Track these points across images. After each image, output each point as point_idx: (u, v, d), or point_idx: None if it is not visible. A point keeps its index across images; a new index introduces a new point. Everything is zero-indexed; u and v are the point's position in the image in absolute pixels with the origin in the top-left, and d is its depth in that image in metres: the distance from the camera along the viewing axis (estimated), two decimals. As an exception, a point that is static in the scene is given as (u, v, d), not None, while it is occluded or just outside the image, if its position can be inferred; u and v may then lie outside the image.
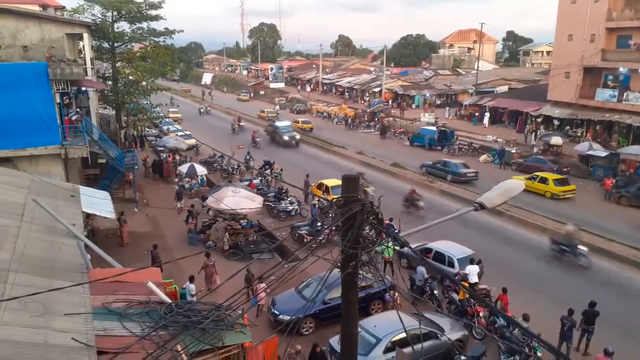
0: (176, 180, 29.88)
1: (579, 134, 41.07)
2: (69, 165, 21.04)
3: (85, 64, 24.94)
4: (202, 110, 66.25)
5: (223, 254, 20.61)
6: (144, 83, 34.10)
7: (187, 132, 43.61)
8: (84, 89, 23.93)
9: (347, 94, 75.54)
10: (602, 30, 38.95)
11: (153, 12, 33.26)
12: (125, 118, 37.09)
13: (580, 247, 20.07)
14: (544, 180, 29.01)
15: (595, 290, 17.02)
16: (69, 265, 11.10)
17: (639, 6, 37.41)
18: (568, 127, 42.27)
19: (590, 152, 33.40)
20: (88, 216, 18.99)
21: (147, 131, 45.82)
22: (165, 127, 46.29)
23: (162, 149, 37.22)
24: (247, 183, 29.11)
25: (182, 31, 35.72)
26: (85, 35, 25.63)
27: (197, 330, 8.48)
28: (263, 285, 14.58)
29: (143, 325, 8.76)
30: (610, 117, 38.33)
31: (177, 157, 35.26)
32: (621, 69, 38.88)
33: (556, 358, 13.97)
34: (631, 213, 26.48)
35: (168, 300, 10.14)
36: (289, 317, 14.16)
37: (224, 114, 66.03)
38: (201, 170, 30.00)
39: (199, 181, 29.67)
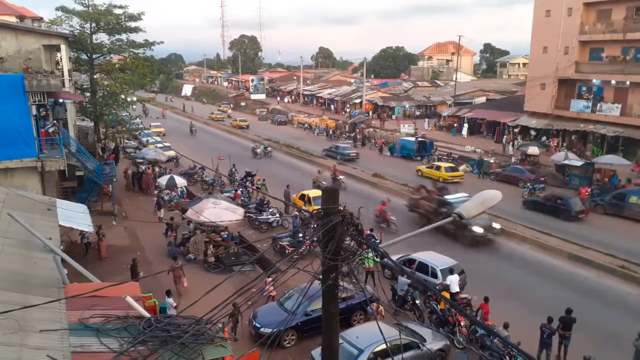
0: (155, 192, 29.56)
1: (555, 144, 41.90)
2: (45, 178, 20.65)
3: (63, 76, 24.63)
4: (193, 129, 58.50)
5: (203, 267, 20.40)
6: (122, 96, 33.75)
7: (167, 144, 43.23)
8: (61, 100, 23.61)
9: (332, 106, 75.74)
10: (575, 43, 40.04)
11: (132, 24, 33.03)
12: (104, 130, 36.64)
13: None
14: (438, 168, 35.85)
15: (572, 298, 17.26)
16: (45, 280, 10.86)
17: (610, 20, 38.57)
18: (545, 137, 43.11)
19: (566, 162, 34.07)
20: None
21: (127, 143, 45.31)
22: (144, 139, 45.86)
23: (141, 160, 36.82)
24: (232, 193, 29.01)
25: (162, 42, 35.59)
26: (63, 47, 25.34)
27: (177, 345, 8.35)
28: (269, 279, 14.69)
29: (121, 340, 8.60)
30: (585, 127, 39.26)
31: (157, 169, 34.91)
32: (594, 80, 39.92)
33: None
34: (606, 221, 27.02)
35: (147, 314, 9.97)
36: (270, 330, 14.05)
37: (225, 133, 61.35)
38: (181, 182, 29.73)
39: (179, 193, 29.39)
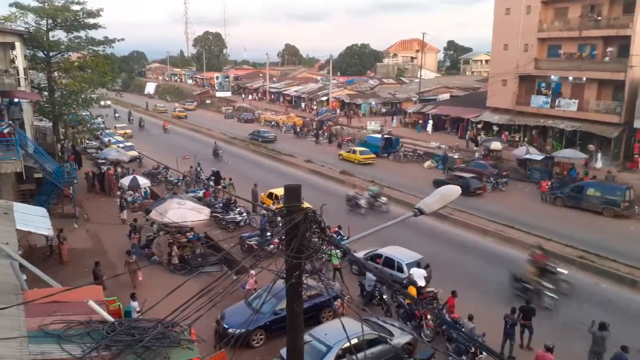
0: (118, 193, 28.90)
1: (516, 139, 43.00)
2: (1, 181, 19.94)
3: (18, 74, 23.76)
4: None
5: (168, 269, 20.07)
6: (83, 95, 32.80)
7: (129, 144, 42.33)
8: (16, 100, 22.79)
9: (303, 104, 75.36)
10: (534, 40, 41.14)
11: (91, 21, 32.15)
12: (64, 130, 35.58)
13: (547, 284, 17.38)
14: (354, 152, 42.00)
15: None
16: (2, 286, 10.47)
17: (567, 18, 39.81)
18: (507, 132, 44.17)
19: (527, 156, 35.04)
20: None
21: (88, 143, 44.15)
22: (106, 139, 44.77)
23: (103, 161, 35.93)
24: (198, 193, 28.64)
25: (122, 40, 34.73)
26: (18, 44, 24.49)
27: (142, 349, 8.19)
28: (252, 272, 15.06)
29: (84, 346, 8.36)
30: (545, 123, 40.41)
31: (119, 170, 34.13)
32: (552, 77, 41.15)
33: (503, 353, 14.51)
34: (565, 213, 27.94)
35: (110, 319, 9.74)
36: (238, 330, 13.93)
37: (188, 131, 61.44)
38: (144, 182, 29.14)
39: (143, 194, 28.81)
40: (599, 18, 37.86)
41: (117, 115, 65.65)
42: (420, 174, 37.12)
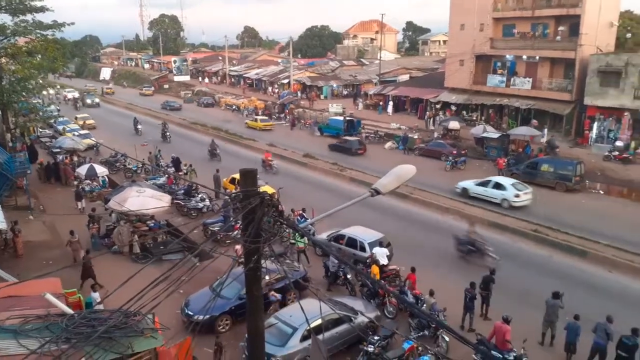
0: (75, 183, 28.06)
1: (474, 118, 43.92)
2: (-53, 174, 19.02)
3: (-40, 61, 22.53)
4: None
5: (130, 258, 19.75)
6: (33, 81, 31.38)
7: (85, 132, 41.01)
8: (-41, 88, 21.64)
9: (270, 88, 74.06)
10: (489, 20, 41.89)
11: (38, 3, 30.65)
12: (14, 119, 34.07)
13: (488, 247, 18.97)
14: (255, 120, 50.29)
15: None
16: (-48, 283, 10.09)
17: (521, -2, 40.70)
18: (464, 112, 45.06)
19: (484, 135, 35.91)
20: None
21: (41, 132, 42.51)
22: (60, 127, 43.17)
23: (58, 150, 34.72)
24: (159, 180, 28.11)
25: (72, 23, 33.26)
26: (-42, 29, 23.15)
27: (104, 340, 8.08)
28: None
29: (42, 341, 8.18)
30: (501, 101, 41.44)
31: (75, 159, 33.09)
32: (508, 56, 42.07)
33: (463, 324, 15.05)
34: (378, 152, 28.70)
35: (70, 311, 9.56)
36: (203, 317, 13.91)
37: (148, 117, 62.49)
38: (102, 170, 28.38)
39: (101, 182, 28.08)
40: (551, -2, 38.91)
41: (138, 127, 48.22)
42: (382, 154, 37.73)
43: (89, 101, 67.28)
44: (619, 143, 33.66)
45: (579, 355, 13.57)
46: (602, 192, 28.70)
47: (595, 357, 13.19)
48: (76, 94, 70.59)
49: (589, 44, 36.45)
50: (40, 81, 32.97)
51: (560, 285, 15.59)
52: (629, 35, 50.12)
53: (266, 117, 51.52)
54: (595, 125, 35.97)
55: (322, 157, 36.51)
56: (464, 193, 27.16)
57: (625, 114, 34.07)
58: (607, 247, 20.42)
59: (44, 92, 39.69)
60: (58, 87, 51.87)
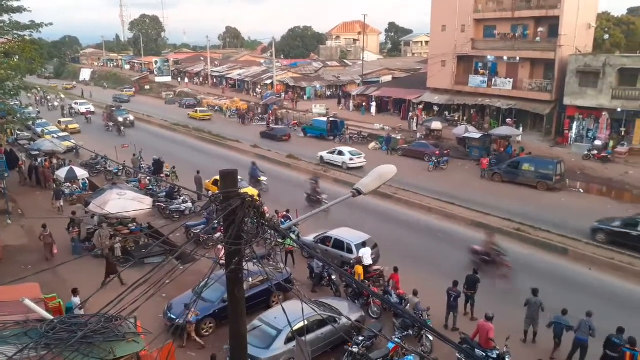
0: (54, 186, 27.58)
1: (456, 118, 44.28)
2: None
3: None
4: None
5: (111, 262, 19.44)
6: (10, 83, 30.76)
7: (64, 134, 40.38)
8: None
9: (257, 89, 73.79)
10: (470, 21, 42.27)
11: (15, 3, 30.08)
12: (-10, 122, 33.37)
13: (504, 257, 18.21)
14: (196, 111, 57.94)
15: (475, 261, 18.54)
16: None
17: (501, -1, 41.19)
18: (447, 112, 45.41)
19: (466, 135, 36.22)
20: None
21: (19, 134, 41.72)
22: (39, 129, 42.45)
23: (37, 152, 34.10)
24: (137, 182, 27.78)
25: (51, 24, 32.70)
26: None
27: (84, 345, 7.93)
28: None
29: (21, 347, 8.00)
30: (482, 102, 41.84)
31: (55, 161, 32.54)
32: (489, 56, 42.50)
33: (446, 324, 15.13)
34: (503, 188, 29.22)
35: (49, 317, 9.36)
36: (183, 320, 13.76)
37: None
38: (82, 173, 27.95)
39: (81, 185, 27.65)
40: (530, -1, 39.46)
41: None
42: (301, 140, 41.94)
43: (120, 119, 49.79)
44: (597, 142, 34.24)
45: (561, 353, 13.76)
46: (582, 191, 29.16)
47: (577, 353, 13.38)
48: (91, 107, 59.34)
49: (567, 44, 37.04)
50: (18, 82, 32.33)
51: (541, 283, 15.79)
52: (606, 36, 51.15)
53: (205, 109, 59.65)
54: (574, 124, 36.53)
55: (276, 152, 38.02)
56: (321, 160, 35.34)
57: (604, 113, 34.68)
58: (587, 245, 20.74)
59: (29, 95, 39.27)
60: (38, 88, 51.13)
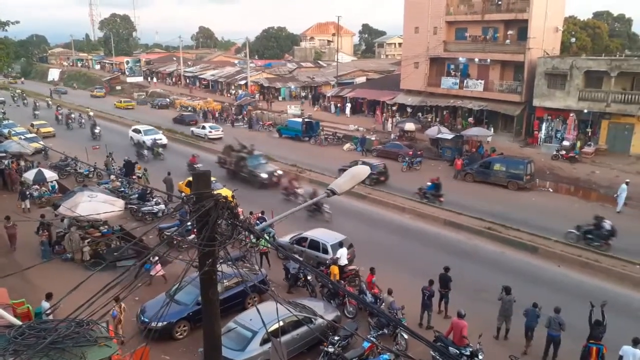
0: (22, 188, 26.82)
1: (429, 120, 44.83)
2: None
3: None
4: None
5: (83, 265, 19.06)
6: None
7: (32, 135, 39.34)
8: None
9: (240, 90, 73.12)
10: (442, 24, 42.89)
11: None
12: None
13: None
14: (120, 101, 66.18)
15: (448, 260, 18.77)
16: None
17: (472, 2, 41.86)
18: (420, 114, 45.93)
19: (439, 136, 36.71)
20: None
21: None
22: (5, 130, 41.23)
23: (3, 155, 33.09)
24: (109, 185, 27.26)
25: (17, 22, 31.94)
26: None
27: (54, 351, 7.75)
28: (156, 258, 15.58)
29: (-13, 354, 7.78)
30: (455, 103, 42.48)
31: (22, 163, 31.67)
32: (460, 58, 43.20)
33: (420, 321, 15.29)
34: (475, 188, 29.71)
35: (17, 322, 9.13)
36: (159, 324, 13.59)
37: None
38: (51, 175, 27.25)
39: (50, 188, 26.98)
40: (500, 2, 40.22)
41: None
42: (339, 154, 37.95)
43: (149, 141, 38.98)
44: (565, 143, 35.15)
45: (534, 348, 14.08)
46: (551, 190, 29.89)
47: (551, 348, 13.73)
48: (163, 138, 41.20)
49: (536, 47, 37.93)
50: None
51: (512, 281, 16.12)
52: (573, 39, 52.59)
53: (129, 99, 67.71)
54: (543, 125, 37.44)
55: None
56: (192, 134, 45.70)
57: (571, 114, 35.62)
58: (556, 242, 21.25)
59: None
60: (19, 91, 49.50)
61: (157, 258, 15.03)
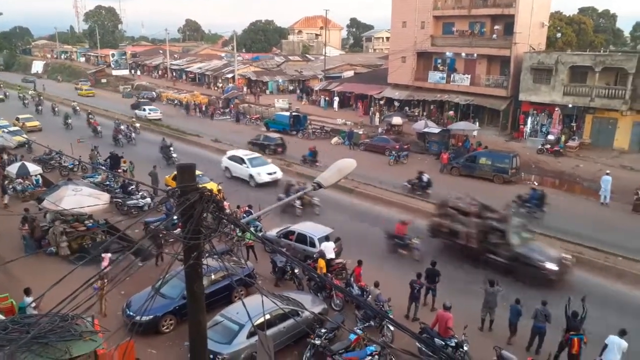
0: (5, 182, 26.47)
1: (416, 114, 45.00)
2: None
3: None
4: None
5: (67, 259, 18.89)
6: None
7: (15, 128, 38.77)
8: None
9: (213, 82, 73.37)
10: (430, 18, 42.99)
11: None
12: None
13: (413, 240, 19.62)
14: (82, 89, 70.96)
15: (436, 255, 18.95)
16: None
17: (459, -4, 42.05)
18: (407, 108, 46.08)
19: (425, 130, 36.87)
20: None
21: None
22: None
23: (-15, 148, 32.60)
24: (95, 178, 26.99)
25: (0, 14, 31.42)
26: None
27: (39, 345, 7.69)
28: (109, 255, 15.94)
29: (-30, 349, 7.69)
30: (442, 97, 42.66)
31: (5, 157, 31.23)
32: (447, 53, 43.37)
33: (407, 315, 15.42)
34: (461, 182, 29.90)
35: (1, 317, 9.05)
36: (145, 318, 13.53)
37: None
38: (35, 169, 26.90)
39: (34, 182, 26.64)
40: (487, -3, 40.45)
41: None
42: (326, 147, 37.88)
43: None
44: (550, 137, 35.52)
45: (519, 339, 14.28)
46: (536, 184, 30.14)
47: (536, 339, 13.94)
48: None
49: (522, 42, 38.21)
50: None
51: (496, 274, 16.27)
52: (558, 34, 53.08)
53: (90, 87, 73.37)
54: (529, 120, 37.80)
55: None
56: (135, 116, 49.73)
57: (556, 109, 35.99)
58: (540, 235, 21.46)
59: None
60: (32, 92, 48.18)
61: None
